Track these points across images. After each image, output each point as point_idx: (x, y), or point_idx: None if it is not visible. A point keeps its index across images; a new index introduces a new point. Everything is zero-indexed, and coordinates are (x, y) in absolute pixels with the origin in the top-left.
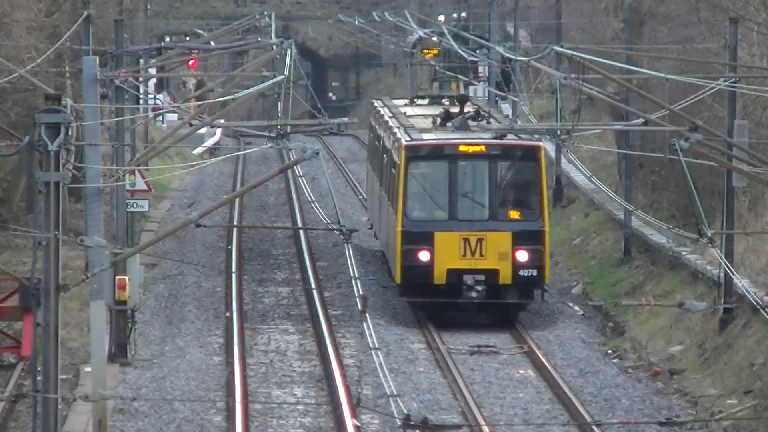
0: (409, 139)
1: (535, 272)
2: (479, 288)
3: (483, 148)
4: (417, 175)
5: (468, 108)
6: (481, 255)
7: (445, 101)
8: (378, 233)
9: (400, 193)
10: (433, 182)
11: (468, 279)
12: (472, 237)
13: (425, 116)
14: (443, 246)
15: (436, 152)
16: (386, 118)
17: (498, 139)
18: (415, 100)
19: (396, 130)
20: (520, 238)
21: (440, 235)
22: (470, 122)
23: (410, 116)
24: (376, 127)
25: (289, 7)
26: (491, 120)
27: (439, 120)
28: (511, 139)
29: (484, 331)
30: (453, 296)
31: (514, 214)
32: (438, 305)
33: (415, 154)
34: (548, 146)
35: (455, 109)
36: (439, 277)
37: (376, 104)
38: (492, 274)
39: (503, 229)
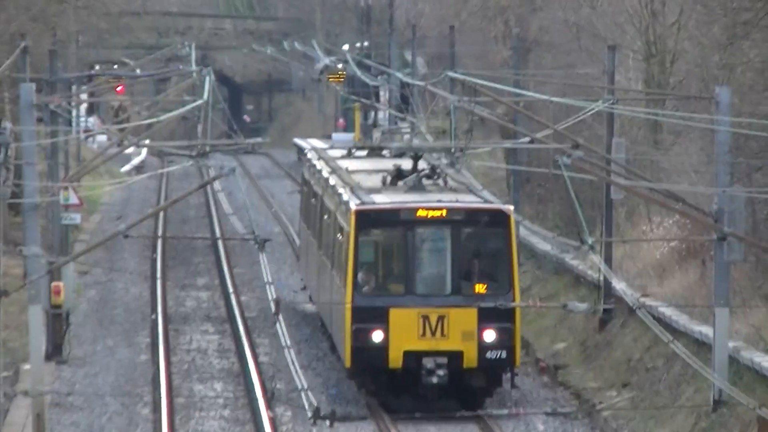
0: (359, 202)
1: (504, 354)
2: (441, 372)
3: (444, 212)
4: (368, 244)
5: (422, 165)
6: (443, 335)
7: (385, 153)
8: (316, 300)
9: (350, 264)
10: (387, 252)
11: (428, 362)
12: (432, 314)
13: (369, 172)
14: (399, 324)
15: (390, 217)
16: (325, 174)
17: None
18: (353, 151)
19: (341, 189)
20: (488, 316)
21: (396, 312)
22: (425, 181)
23: (353, 172)
24: (312, 181)
25: (208, 37)
26: (448, 180)
27: (389, 178)
28: (475, 202)
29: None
30: (410, 381)
31: (481, 288)
32: (394, 391)
33: (367, 220)
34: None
35: (407, 166)
36: (395, 360)
37: (309, 155)
38: (455, 356)
39: (468, 305)
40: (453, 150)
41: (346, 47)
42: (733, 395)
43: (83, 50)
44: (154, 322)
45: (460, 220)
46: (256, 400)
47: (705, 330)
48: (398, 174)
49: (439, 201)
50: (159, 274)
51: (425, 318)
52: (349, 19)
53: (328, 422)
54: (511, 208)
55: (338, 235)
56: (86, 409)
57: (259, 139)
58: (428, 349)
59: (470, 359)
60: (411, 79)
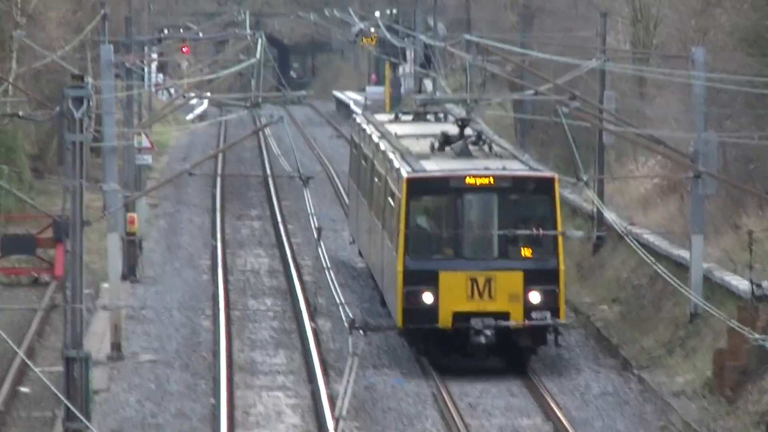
0: (410, 170)
1: (549, 315)
2: (488, 332)
3: (491, 180)
4: (419, 209)
5: (468, 131)
6: (490, 296)
7: (430, 117)
8: (366, 256)
9: (401, 229)
10: (436, 217)
11: (476, 322)
12: (480, 277)
13: (417, 137)
14: (449, 287)
15: (440, 184)
16: (375, 139)
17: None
18: (399, 116)
19: (391, 155)
20: (533, 278)
21: (445, 274)
22: (471, 147)
23: (401, 137)
24: (361, 145)
25: (260, 5)
26: (493, 146)
27: (437, 144)
28: (521, 170)
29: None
30: (459, 341)
31: (526, 252)
32: (443, 350)
33: (418, 187)
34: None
35: (453, 131)
36: (445, 320)
37: (359, 120)
38: (502, 316)
39: (514, 268)
40: (468, 101)
41: (377, 14)
42: (707, 308)
43: (154, 17)
44: (214, 248)
45: (507, 187)
46: (301, 313)
47: (683, 254)
48: (445, 140)
49: (486, 168)
50: (218, 207)
51: (473, 280)
52: None
53: (362, 332)
54: (556, 175)
55: (389, 199)
56: (156, 321)
57: (303, 92)
58: (476, 310)
59: (516, 319)
60: (433, 41)
